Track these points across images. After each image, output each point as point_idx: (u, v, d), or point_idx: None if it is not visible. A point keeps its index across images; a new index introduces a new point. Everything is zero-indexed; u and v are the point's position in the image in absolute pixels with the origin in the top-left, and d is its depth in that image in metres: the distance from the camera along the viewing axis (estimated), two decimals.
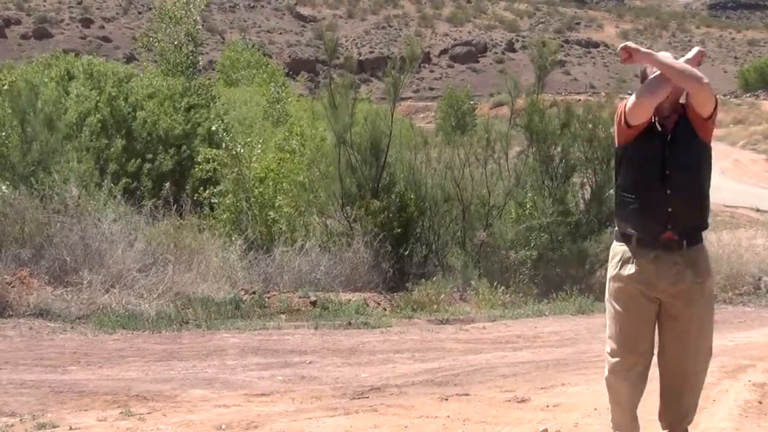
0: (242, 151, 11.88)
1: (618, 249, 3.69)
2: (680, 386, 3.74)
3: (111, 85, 14.80)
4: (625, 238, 3.65)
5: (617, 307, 3.67)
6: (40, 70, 17.30)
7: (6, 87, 10.80)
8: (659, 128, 3.58)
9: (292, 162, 12.00)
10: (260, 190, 11.60)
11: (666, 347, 3.71)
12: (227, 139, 12.88)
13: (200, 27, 20.70)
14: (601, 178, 10.91)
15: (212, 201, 12.24)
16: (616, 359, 3.68)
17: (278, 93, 21.96)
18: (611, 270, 3.71)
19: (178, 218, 10.24)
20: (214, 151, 12.78)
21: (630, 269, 3.61)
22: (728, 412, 4.95)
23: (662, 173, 3.53)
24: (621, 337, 3.66)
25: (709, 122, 3.57)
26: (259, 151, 12.33)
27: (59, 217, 9.12)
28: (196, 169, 12.97)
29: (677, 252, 3.57)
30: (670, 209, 3.53)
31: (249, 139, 13.40)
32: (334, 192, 10.92)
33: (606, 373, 3.76)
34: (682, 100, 3.60)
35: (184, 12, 18.82)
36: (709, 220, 3.74)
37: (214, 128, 14.37)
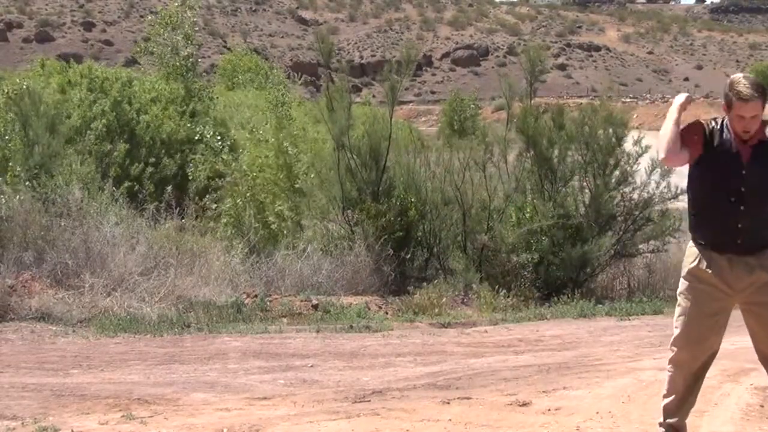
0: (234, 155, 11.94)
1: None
2: None
3: (116, 89, 14.82)
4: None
5: (688, 302, 3.90)
6: (39, 74, 17.33)
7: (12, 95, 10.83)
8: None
9: (271, 152, 12.00)
10: (252, 185, 11.60)
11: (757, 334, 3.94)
12: (223, 145, 12.88)
13: (197, 29, 20.66)
14: (600, 182, 10.85)
15: (213, 207, 12.26)
16: (681, 352, 3.91)
17: (282, 96, 21.94)
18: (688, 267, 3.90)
19: (180, 221, 10.25)
20: (206, 161, 12.85)
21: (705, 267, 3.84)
22: (730, 415, 4.94)
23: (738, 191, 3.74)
24: (687, 331, 3.88)
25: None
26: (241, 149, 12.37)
27: (61, 220, 9.13)
28: (195, 176, 13.00)
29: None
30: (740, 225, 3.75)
31: (231, 140, 13.45)
32: (334, 196, 10.91)
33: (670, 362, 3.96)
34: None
35: (179, 17, 18.79)
36: None
37: (208, 135, 14.37)
